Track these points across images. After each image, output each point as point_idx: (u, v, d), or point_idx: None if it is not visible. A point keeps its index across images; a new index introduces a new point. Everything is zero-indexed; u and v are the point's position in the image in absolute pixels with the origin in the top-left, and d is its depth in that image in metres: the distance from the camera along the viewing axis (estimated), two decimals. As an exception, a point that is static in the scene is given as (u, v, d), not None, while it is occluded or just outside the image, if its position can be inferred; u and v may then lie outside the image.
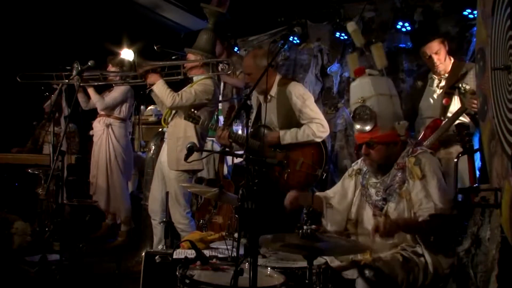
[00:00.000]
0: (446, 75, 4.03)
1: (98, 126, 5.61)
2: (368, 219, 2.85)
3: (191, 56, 4.29)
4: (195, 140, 4.03)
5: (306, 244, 2.18)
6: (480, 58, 2.48)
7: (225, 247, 2.83)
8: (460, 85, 3.78)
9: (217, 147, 5.14)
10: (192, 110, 3.92)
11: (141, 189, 5.75)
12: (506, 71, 1.97)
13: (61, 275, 3.44)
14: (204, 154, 4.39)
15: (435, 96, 4.08)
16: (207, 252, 2.87)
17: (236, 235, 2.68)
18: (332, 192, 3.07)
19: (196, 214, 4.75)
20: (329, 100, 6.19)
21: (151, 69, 4.14)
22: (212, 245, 3.14)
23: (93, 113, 5.74)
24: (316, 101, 4.46)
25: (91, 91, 5.42)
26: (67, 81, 4.53)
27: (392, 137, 2.75)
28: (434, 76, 4.12)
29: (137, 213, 5.33)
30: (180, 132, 4.16)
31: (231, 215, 4.29)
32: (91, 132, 5.76)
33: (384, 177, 2.81)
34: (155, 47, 4.96)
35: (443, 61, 4.01)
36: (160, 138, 4.78)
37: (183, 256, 2.44)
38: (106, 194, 5.52)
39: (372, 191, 2.85)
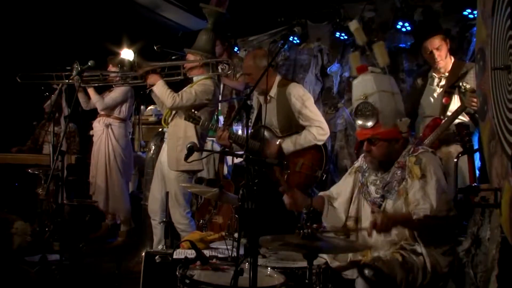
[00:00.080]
0: (447, 74, 4.04)
1: (98, 126, 5.61)
2: (367, 217, 2.86)
3: (190, 57, 4.28)
4: (195, 140, 4.03)
5: (306, 244, 2.18)
6: (480, 58, 2.48)
7: (225, 247, 2.83)
8: (460, 84, 3.78)
9: (217, 147, 5.14)
10: (193, 110, 3.92)
11: (141, 189, 5.75)
12: (506, 71, 1.97)
13: (61, 275, 3.44)
14: (204, 154, 4.40)
15: (435, 95, 4.09)
16: (207, 252, 2.87)
17: (236, 235, 2.68)
18: (335, 193, 3.06)
19: (196, 214, 4.75)
20: (329, 100, 6.19)
21: (151, 70, 4.14)
22: (212, 245, 3.14)
23: (93, 113, 5.74)
24: (316, 101, 4.47)
25: (91, 91, 5.42)
26: (67, 81, 4.53)
27: (394, 134, 2.75)
28: (435, 74, 4.12)
29: (137, 213, 5.33)
30: (180, 132, 4.16)
31: (231, 215, 4.29)
32: (91, 132, 5.76)
33: (384, 174, 2.81)
34: (155, 47, 4.96)
35: (444, 58, 4.01)
36: (160, 138, 4.77)
37: (183, 256, 2.45)
38: (105, 194, 5.52)
39: (372, 188, 2.86)
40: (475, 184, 3.48)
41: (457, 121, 3.85)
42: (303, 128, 4.00)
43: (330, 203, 3.00)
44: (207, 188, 3.26)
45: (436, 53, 3.99)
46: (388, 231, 2.59)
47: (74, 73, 4.24)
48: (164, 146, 4.37)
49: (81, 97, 5.53)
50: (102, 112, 5.58)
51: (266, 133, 4.12)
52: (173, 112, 4.23)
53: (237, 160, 4.94)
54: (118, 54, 5.26)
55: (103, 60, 5.40)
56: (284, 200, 2.89)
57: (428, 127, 3.97)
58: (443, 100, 3.98)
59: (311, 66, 6.29)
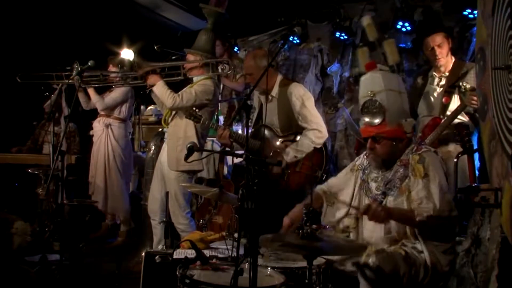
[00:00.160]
0: (447, 73, 4.04)
1: (98, 126, 5.61)
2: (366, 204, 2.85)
3: (190, 57, 4.28)
4: (195, 140, 4.03)
5: (306, 244, 2.18)
6: (480, 57, 2.48)
7: (225, 247, 2.82)
8: (460, 83, 3.78)
9: (217, 147, 5.13)
10: (194, 108, 3.92)
11: (141, 189, 5.75)
12: (506, 71, 1.97)
13: (61, 275, 3.44)
14: (204, 154, 4.39)
15: (435, 94, 4.09)
16: (207, 252, 2.87)
17: (236, 235, 2.68)
18: (334, 187, 3.06)
19: (196, 214, 4.75)
20: (329, 100, 6.19)
21: (151, 70, 4.14)
22: (212, 245, 3.13)
23: (93, 113, 5.74)
24: (316, 101, 4.47)
25: (91, 91, 5.42)
26: (67, 81, 4.53)
27: (398, 133, 2.76)
28: (435, 74, 4.12)
29: (137, 213, 5.33)
30: (180, 132, 4.16)
31: (231, 215, 4.29)
32: (91, 132, 5.76)
33: (386, 172, 2.81)
34: (155, 47, 4.96)
35: (445, 56, 4.01)
36: (160, 138, 4.77)
37: (183, 256, 2.44)
38: (104, 194, 5.51)
39: (373, 185, 2.86)
40: (475, 184, 3.48)
41: (456, 121, 3.86)
42: (303, 128, 4.00)
43: (329, 202, 3.00)
44: (207, 188, 3.26)
45: (437, 50, 3.99)
46: (380, 221, 2.59)
47: (74, 73, 4.23)
48: (164, 146, 4.37)
49: (81, 97, 5.53)
50: (102, 112, 5.58)
51: (266, 133, 4.12)
52: (173, 112, 4.23)
53: (237, 160, 4.94)
54: (118, 54, 5.27)
55: (103, 60, 5.39)
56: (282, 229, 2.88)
57: (427, 127, 3.97)
58: (443, 100, 3.98)
59: (311, 66, 6.29)
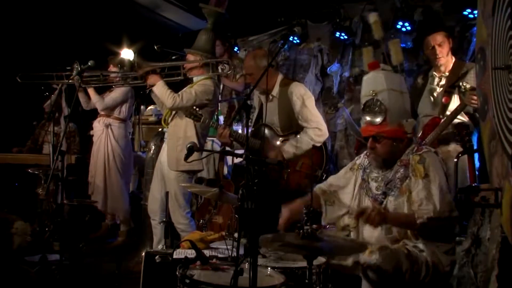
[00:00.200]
0: (447, 73, 4.04)
1: (98, 126, 5.60)
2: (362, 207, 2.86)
3: (190, 57, 4.28)
4: (195, 140, 4.03)
5: (306, 244, 2.18)
6: (481, 57, 2.48)
7: (225, 247, 2.82)
8: (460, 83, 3.78)
9: (217, 147, 5.13)
10: (194, 107, 3.92)
11: (141, 189, 5.75)
12: (506, 71, 1.97)
13: (61, 275, 3.44)
14: (204, 154, 4.39)
15: (435, 94, 4.09)
16: (207, 252, 2.86)
17: (236, 235, 2.68)
18: (334, 185, 3.06)
19: (196, 214, 4.74)
20: (329, 100, 6.19)
21: (151, 70, 4.14)
22: (212, 245, 3.13)
23: (93, 113, 5.74)
24: (316, 101, 4.47)
25: (91, 91, 5.41)
26: (67, 81, 4.53)
27: (399, 133, 2.76)
28: (435, 74, 4.12)
29: (137, 213, 5.32)
30: (180, 132, 4.16)
31: (231, 215, 4.29)
32: (91, 132, 5.76)
33: (386, 172, 2.81)
34: (155, 47, 4.95)
35: (445, 55, 4.01)
36: (160, 138, 4.77)
37: (183, 256, 2.44)
38: (103, 194, 5.50)
39: (373, 184, 2.86)
40: (475, 184, 3.48)
41: (456, 121, 3.86)
42: (303, 127, 4.00)
43: (331, 202, 3.00)
44: (207, 188, 3.26)
45: (438, 49, 3.99)
46: (375, 225, 2.59)
47: (74, 73, 4.23)
48: (164, 146, 4.37)
49: (81, 97, 5.53)
50: (102, 112, 5.58)
51: (266, 132, 4.12)
52: (173, 112, 4.23)
53: (237, 160, 4.94)
54: (118, 54, 5.27)
55: (103, 60, 5.39)
56: (279, 223, 2.88)
57: (427, 126, 3.97)
58: (443, 100, 3.98)
59: (311, 66, 6.29)
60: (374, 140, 2.78)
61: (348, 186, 3.00)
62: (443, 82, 4.06)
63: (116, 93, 5.52)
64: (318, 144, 3.99)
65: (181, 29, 7.12)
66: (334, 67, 6.10)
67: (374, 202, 2.82)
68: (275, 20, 6.49)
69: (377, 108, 2.75)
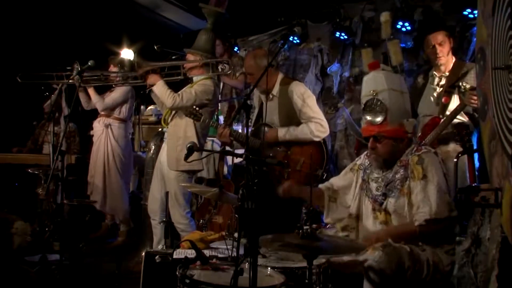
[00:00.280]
0: (447, 73, 4.03)
1: (98, 126, 5.60)
2: (368, 214, 2.86)
3: (190, 57, 4.28)
4: (195, 140, 4.03)
5: (306, 244, 2.18)
6: (481, 57, 2.48)
7: (225, 247, 2.82)
8: (460, 83, 3.78)
9: (217, 147, 5.13)
10: (194, 107, 3.92)
11: (141, 189, 5.75)
12: (506, 71, 1.97)
13: (61, 275, 3.44)
14: (204, 154, 4.39)
15: (435, 94, 4.09)
16: (207, 252, 2.86)
17: (236, 235, 2.68)
18: (336, 185, 3.06)
19: (196, 214, 4.74)
20: (329, 100, 6.19)
21: (151, 70, 4.14)
22: (212, 245, 3.13)
23: (93, 113, 5.73)
24: (316, 101, 4.47)
25: (91, 91, 5.41)
26: (67, 81, 4.53)
27: (399, 133, 2.76)
28: (435, 73, 4.12)
29: (137, 213, 5.32)
30: (180, 132, 4.16)
31: (231, 215, 4.29)
32: (91, 132, 5.76)
33: (387, 172, 2.81)
34: (155, 47, 4.95)
35: (446, 55, 4.00)
36: (160, 138, 4.77)
37: (183, 256, 2.44)
38: (102, 194, 5.50)
39: (373, 185, 2.86)
40: (475, 184, 3.48)
41: (456, 121, 3.86)
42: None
43: (333, 198, 3.00)
44: (207, 188, 3.26)
45: (438, 49, 3.99)
46: (381, 241, 2.61)
47: (74, 73, 4.23)
48: (164, 146, 4.37)
49: (82, 97, 5.52)
50: (103, 112, 5.58)
51: (266, 131, 4.12)
52: (173, 112, 4.23)
53: (237, 160, 4.94)
54: (119, 54, 5.27)
55: (103, 60, 5.39)
56: (281, 188, 2.91)
57: (427, 126, 3.97)
58: (443, 100, 3.98)
59: (311, 66, 6.29)
60: (375, 140, 2.79)
61: (349, 187, 3.00)
62: (443, 82, 4.05)
63: (117, 93, 5.51)
64: (317, 139, 3.98)
65: (181, 29, 7.12)
66: (334, 67, 6.11)
67: (374, 203, 2.82)
68: (275, 20, 6.49)
69: (377, 108, 2.75)
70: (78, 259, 3.81)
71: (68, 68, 4.50)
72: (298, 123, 4.02)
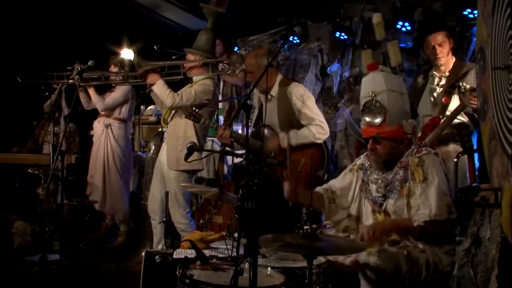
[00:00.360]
0: (447, 73, 4.03)
1: (98, 126, 5.60)
2: (367, 216, 2.86)
3: (190, 56, 4.28)
4: (195, 140, 4.02)
5: (306, 244, 2.18)
6: (481, 57, 2.48)
7: (225, 247, 2.82)
8: (460, 83, 3.78)
9: (217, 147, 5.13)
10: (193, 108, 3.92)
11: (141, 189, 5.75)
12: (506, 71, 1.97)
13: (61, 275, 3.44)
14: (204, 154, 4.39)
15: (435, 94, 4.09)
16: (207, 252, 2.86)
17: (236, 235, 2.68)
18: (334, 187, 3.06)
19: (196, 214, 4.74)
20: (329, 100, 6.19)
21: (151, 69, 4.14)
22: (212, 245, 3.13)
23: (93, 113, 5.74)
24: (316, 101, 4.47)
25: (91, 91, 5.41)
26: (67, 81, 4.53)
27: (399, 134, 2.76)
28: (435, 73, 4.12)
29: (137, 213, 5.32)
30: (180, 132, 4.16)
31: (231, 215, 4.29)
32: (91, 132, 5.76)
33: (386, 174, 2.81)
34: (155, 47, 4.95)
35: (446, 55, 4.00)
36: (160, 138, 4.77)
37: (183, 256, 2.44)
38: (102, 194, 5.50)
39: (373, 187, 2.86)
40: (475, 184, 3.48)
41: (456, 121, 3.86)
42: (303, 127, 4.00)
43: (332, 200, 3.00)
44: (207, 188, 3.26)
45: (438, 49, 3.99)
46: (379, 240, 2.60)
47: (75, 73, 4.24)
48: (164, 146, 4.37)
49: (82, 97, 5.52)
50: (103, 112, 5.58)
51: (267, 132, 4.12)
52: (172, 111, 4.23)
53: (237, 160, 4.94)
54: (119, 54, 5.27)
55: (103, 60, 5.40)
56: (284, 188, 2.89)
57: (427, 127, 3.97)
58: (443, 100, 3.98)
59: (311, 66, 6.29)
60: (375, 142, 2.78)
61: (349, 187, 3.00)
62: (443, 82, 4.05)
63: (117, 94, 5.51)
64: (319, 141, 3.99)
65: (181, 29, 7.12)
66: (334, 67, 6.11)
67: (374, 204, 2.82)
68: (275, 20, 6.49)
69: (376, 109, 2.75)
70: (78, 259, 3.81)
71: (68, 68, 4.51)
72: (298, 124, 4.01)
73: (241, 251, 2.37)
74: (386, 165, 2.81)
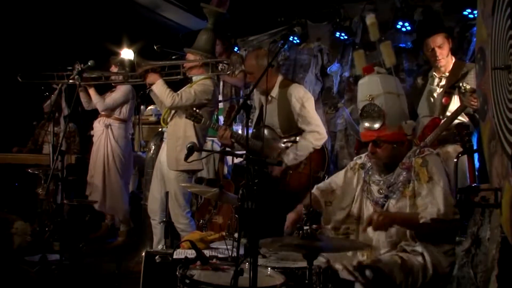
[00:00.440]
0: (447, 74, 4.03)
1: (98, 126, 5.61)
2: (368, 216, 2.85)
3: (190, 56, 4.28)
4: (195, 140, 4.03)
5: (306, 244, 2.18)
6: (480, 57, 2.48)
7: (225, 247, 2.82)
8: (460, 84, 3.78)
9: (217, 147, 5.13)
10: (194, 109, 3.92)
11: (141, 189, 5.75)
12: (506, 71, 1.97)
13: (61, 275, 3.44)
14: (204, 154, 4.39)
15: (435, 94, 4.09)
16: (207, 252, 2.86)
17: (236, 235, 2.68)
18: (336, 184, 3.05)
19: (196, 214, 4.74)
20: (329, 100, 6.19)
21: (151, 69, 4.14)
22: (212, 245, 3.13)
23: (93, 113, 5.74)
24: (316, 101, 4.47)
25: (91, 91, 5.41)
26: (68, 81, 4.53)
27: (399, 136, 2.75)
28: (435, 74, 4.12)
29: (137, 213, 5.33)
30: (179, 132, 4.16)
31: (231, 215, 4.29)
32: (91, 132, 5.76)
33: (388, 175, 2.80)
34: (155, 47, 4.95)
35: (445, 57, 4.01)
36: (160, 138, 4.77)
37: (183, 256, 2.44)
38: (102, 194, 5.50)
39: (374, 188, 2.85)
40: (475, 184, 3.48)
41: (456, 121, 3.86)
42: (303, 130, 4.00)
43: (329, 203, 2.99)
44: (207, 188, 3.26)
45: (438, 51, 3.99)
46: (385, 229, 2.59)
47: (75, 73, 4.24)
48: (164, 146, 4.37)
49: (82, 97, 5.53)
50: (103, 113, 5.58)
51: (267, 134, 4.12)
52: (172, 111, 4.23)
53: (237, 160, 4.94)
54: (119, 54, 5.27)
55: (104, 60, 5.40)
56: (286, 224, 2.88)
57: (427, 127, 3.97)
58: (443, 100, 3.98)
59: (311, 66, 6.29)
60: (375, 145, 2.77)
61: (349, 186, 2.99)
62: (443, 82, 4.05)
63: (117, 94, 5.52)
64: (318, 147, 4.00)
65: (181, 29, 7.12)
66: (334, 67, 6.11)
67: (375, 205, 2.81)
68: (275, 20, 6.49)
69: (375, 114, 2.74)
70: (78, 259, 3.82)
71: (68, 68, 4.51)
72: (298, 126, 4.01)
73: (241, 251, 2.37)
74: (387, 167, 2.81)
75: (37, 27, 6.12)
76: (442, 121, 3.90)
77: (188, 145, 2.64)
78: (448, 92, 3.96)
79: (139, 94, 5.77)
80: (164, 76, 4.17)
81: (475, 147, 3.69)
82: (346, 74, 6.02)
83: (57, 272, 3.45)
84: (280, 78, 4.13)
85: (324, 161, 4.05)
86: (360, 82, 2.94)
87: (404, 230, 2.68)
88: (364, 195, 2.90)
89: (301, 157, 3.95)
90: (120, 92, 5.51)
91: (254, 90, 4.15)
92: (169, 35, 6.95)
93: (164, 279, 2.74)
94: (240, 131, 4.97)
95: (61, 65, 4.59)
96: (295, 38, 6.30)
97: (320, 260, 2.57)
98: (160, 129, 5.05)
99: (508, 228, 2.07)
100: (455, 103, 3.92)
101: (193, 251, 2.46)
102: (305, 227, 2.22)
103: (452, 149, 3.88)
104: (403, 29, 5.44)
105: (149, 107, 6.63)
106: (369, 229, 2.75)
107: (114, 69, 5.28)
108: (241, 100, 5.67)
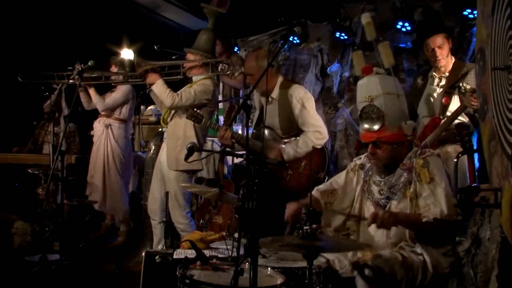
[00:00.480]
0: (447, 74, 4.04)
1: (98, 126, 5.61)
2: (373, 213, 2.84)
3: (190, 56, 4.28)
4: (195, 140, 4.02)
5: (306, 244, 2.18)
6: (480, 58, 2.48)
7: (225, 247, 2.82)
8: (460, 84, 3.78)
9: (217, 147, 5.13)
10: (195, 109, 3.91)
11: (141, 189, 5.75)
12: (506, 71, 1.97)
13: (61, 275, 3.44)
14: (204, 154, 4.39)
15: (435, 95, 4.09)
16: (207, 252, 2.86)
17: (236, 235, 2.68)
18: (337, 184, 3.05)
19: (196, 214, 4.75)
20: (329, 100, 6.19)
21: (151, 69, 4.14)
22: (212, 245, 3.13)
23: (93, 113, 5.74)
24: (316, 101, 4.47)
25: (92, 91, 5.41)
26: (68, 81, 4.53)
27: (399, 137, 2.74)
28: (435, 74, 4.12)
29: (137, 213, 5.33)
30: (179, 132, 4.16)
31: (231, 215, 4.29)
32: (91, 132, 5.76)
33: (389, 176, 2.80)
34: (155, 47, 4.96)
35: (445, 57, 4.01)
36: (160, 138, 4.77)
37: (183, 256, 2.44)
38: (102, 194, 5.50)
39: (375, 188, 2.84)
40: (475, 184, 3.48)
41: (456, 121, 3.86)
42: (303, 130, 4.00)
43: (329, 204, 2.99)
44: (207, 188, 3.26)
45: (438, 51, 3.99)
46: (388, 227, 2.58)
47: (75, 72, 4.24)
48: (164, 146, 4.37)
49: (83, 97, 5.53)
50: (103, 113, 5.58)
51: (268, 134, 4.12)
52: (172, 111, 4.22)
53: (237, 160, 4.94)
54: (119, 54, 5.28)
55: (104, 60, 5.40)
56: (286, 214, 2.88)
57: (427, 127, 3.97)
58: (443, 100, 3.98)
59: (311, 66, 6.30)
60: (375, 146, 2.76)
61: (350, 186, 2.98)
62: (443, 82, 4.05)
63: (117, 94, 5.52)
64: (319, 147, 3.99)
65: (181, 29, 7.13)
66: (334, 67, 6.11)
67: (376, 206, 2.81)
68: (275, 20, 6.49)
69: (374, 115, 2.73)
70: (78, 259, 3.82)
71: (69, 68, 4.51)
72: (298, 126, 4.01)
73: (241, 251, 2.37)
74: (387, 168, 2.80)
75: (37, 27, 6.12)
76: (442, 121, 3.90)
77: (188, 145, 2.64)
78: (448, 92, 3.96)
79: (139, 94, 5.77)
80: (164, 76, 4.17)
81: (475, 147, 3.69)
82: (346, 74, 6.03)
83: (57, 272, 3.45)
84: (280, 79, 4.13)
85: (324, 161, 4.05)
86: (359, 83, 2.93)
87: (404, 232, 2.68)
88: (365, 196, 2.90)
89: (301, 154, 3.94)
90: (120, 92, 5.51)
91: (254, 91, 4.15)
92: (169, 35, 6.95)
93: (164, 279, 2.74)
94: (240, 131, 4.97)
95: (61, 65, 4.59)
96: (295, 38, 6.31)
97: (320, 260, 2.57)
98: (160, 129, 5.05)
99: (508, 228, 2.08)
100: (455, 103, 3.93)
101: (193, 251, 2.46)
102: (305, 227, 2.22)
103: (452, 149, 3.88)
104: (403, 29, 5.44)
105: (149, 107, 6.63)
106: (372, 228, 2.75)
107: (114, 69, 5.28)
108: (241, 100, 5.67)
